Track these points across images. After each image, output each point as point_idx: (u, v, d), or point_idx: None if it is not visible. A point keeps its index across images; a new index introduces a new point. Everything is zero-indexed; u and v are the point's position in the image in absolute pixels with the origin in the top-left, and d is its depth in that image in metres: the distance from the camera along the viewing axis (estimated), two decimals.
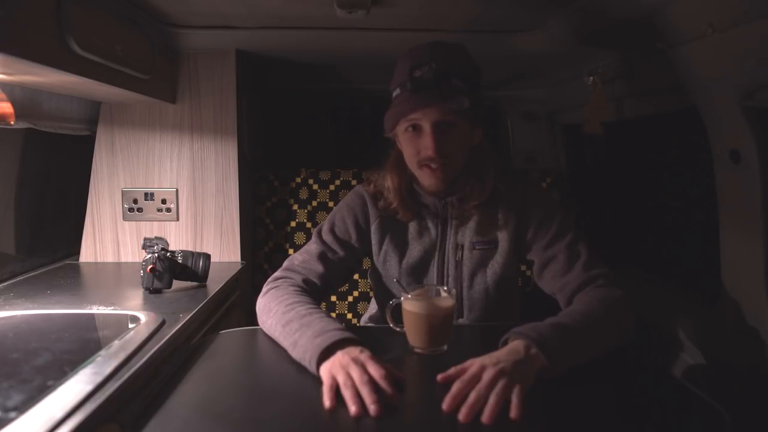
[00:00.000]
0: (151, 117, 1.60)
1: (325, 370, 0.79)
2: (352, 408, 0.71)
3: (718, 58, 1.04)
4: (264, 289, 1.05)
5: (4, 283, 1.29)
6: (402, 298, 0.94)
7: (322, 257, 1.12)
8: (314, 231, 1.20)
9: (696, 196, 1.73)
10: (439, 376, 0.79)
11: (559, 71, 1.75)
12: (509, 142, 2.22)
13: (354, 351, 0.82)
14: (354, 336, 0.86)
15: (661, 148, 1.88)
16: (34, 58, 0.89)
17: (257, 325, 1.03)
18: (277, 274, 1.10)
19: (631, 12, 1.11)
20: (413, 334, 0.93)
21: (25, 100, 1.24)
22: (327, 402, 0.73)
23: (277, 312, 0.95)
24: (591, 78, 1.52)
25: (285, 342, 0.90)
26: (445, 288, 0.96)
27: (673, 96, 1.31)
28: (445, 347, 0.93)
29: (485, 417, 0.69)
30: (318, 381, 0.79)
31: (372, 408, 0.70)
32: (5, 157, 1.36)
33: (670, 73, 1.19)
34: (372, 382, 0.75)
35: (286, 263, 1.13)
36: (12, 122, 1.17)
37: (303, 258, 1.13)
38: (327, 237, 1.16)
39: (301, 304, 0.96)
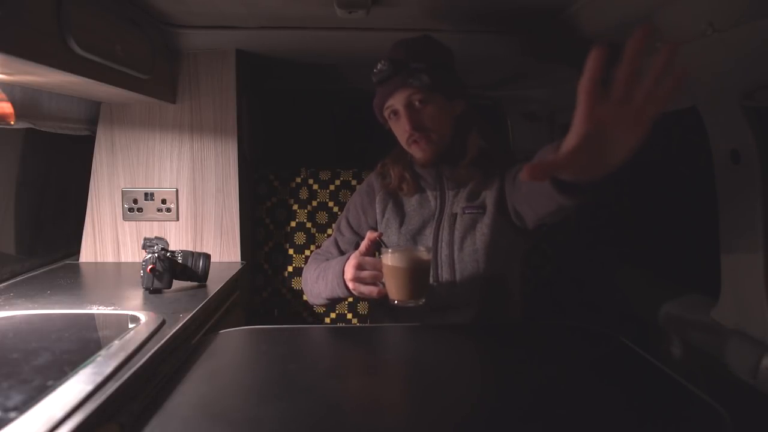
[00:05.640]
0: (151, 117, 1.60)
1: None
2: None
3: (718, 58, 1.04)
4: (304, 269, 1.35)
5: (4, 283, 1.29)
6: (382, 254, 1.00)
7: (336, 244, 1.35)
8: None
9: (696, 196, 1.73)
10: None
11: (559, 71, 1.75)
12: (509, 142, 2.22)
13: (348, 268, 1.07)
14: (342, 260, 1.10)
15: (661, 148, 1.88)
16: (34, 58, 0.89)
17: (257, 324, 1.08)
18: (310, 258, 1.37)
19: (631, 12, 1.11)
20: (393, 287, 0.98)
21: (25, 100, 1.24)
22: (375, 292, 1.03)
23: (312, 276, 1.25)
24: None
25: (323, 291, 1.17)
26: (422, 247, 1.03)
27: (673, 96, 1.31)
28: (423, 301, 0.99)
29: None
30: (317, 382, 0.81)
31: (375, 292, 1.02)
32: (5, 157, 1.36)
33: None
34: (364, 277, 1.04)
35: (315, 250, 1.42)
36: (12, 122, 1.17)
37: (325, 246, 1.38)
38: (342, 223, 1.37)
39: (320, 264, 1.25)
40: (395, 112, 1.21)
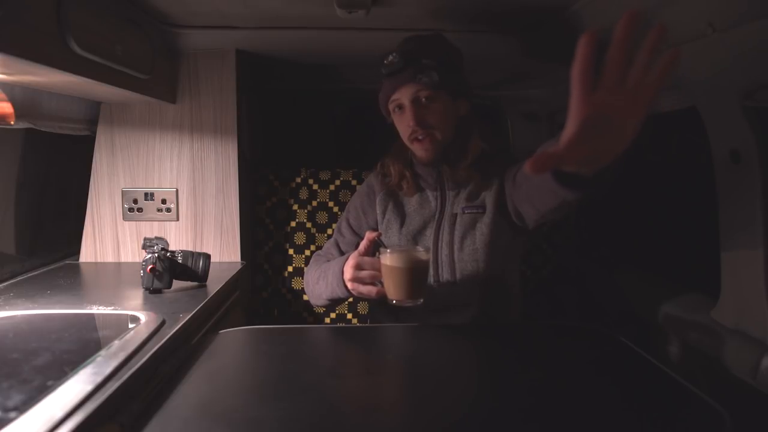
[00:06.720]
0: (151, 117, 1.60)
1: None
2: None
3: (718, 58, 1.04)
4: (305, 271, 1.37)
5: (4, 283, 1.29)
6: (380, 254, 1.00)
7: (337, 246, 1.35)
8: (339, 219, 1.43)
9: (696, 196, 1.73)
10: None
11: (559, 71, 1.75)
12: (509, 142, 2.22)
13: (347, 268, 1.08)
14: (342, 260, 1.11)
15: (660, 148, 1.88)
16: (34, 58, 0.89)
17: (257, 324, 1.09)
18: (311, 259, 1.38)
19: None
20: (391, 287, 0.98)
21: (25, 100, 1.24)
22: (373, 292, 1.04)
23: (312, 278, 1.26)
24: None
25: (324, 292, 1.18)
26: (420, 248, 1.02)
27: (673, 96, 1.31)
28: (421, 301, 0.99)
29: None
30: (317, 382, 0.81)
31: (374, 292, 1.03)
32: (5, 157, 1.36)
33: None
34: (363, 277, 1.04)
35: (316, 251, 1.43)
36: (12, 122, 1.17)
37: (326, 247, 1.39)
38: (343, 225, 1.37)
39: (321, 265, 1.26)
40: (400, 107, 1.21)
